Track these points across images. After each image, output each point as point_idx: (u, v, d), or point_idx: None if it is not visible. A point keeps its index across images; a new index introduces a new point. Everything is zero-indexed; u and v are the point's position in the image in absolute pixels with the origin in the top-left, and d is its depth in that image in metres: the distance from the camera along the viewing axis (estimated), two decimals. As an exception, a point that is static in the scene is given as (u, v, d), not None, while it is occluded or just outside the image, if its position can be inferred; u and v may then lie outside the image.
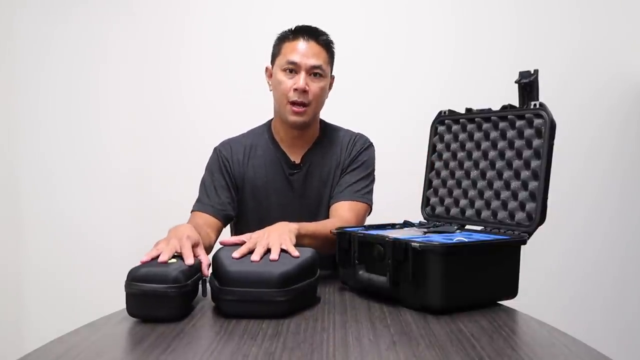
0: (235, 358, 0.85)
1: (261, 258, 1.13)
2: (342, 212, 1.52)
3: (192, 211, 1.57)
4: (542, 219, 1.18)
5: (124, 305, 1.04)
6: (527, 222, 1.21)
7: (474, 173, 1.36)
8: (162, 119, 2.45)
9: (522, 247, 1.19)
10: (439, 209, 1.44)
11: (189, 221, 1.51)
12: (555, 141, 1.19)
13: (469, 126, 1.37)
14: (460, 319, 1.05)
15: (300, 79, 1.49)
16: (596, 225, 2.47)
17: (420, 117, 1.64)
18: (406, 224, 1.43)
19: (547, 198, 1.18)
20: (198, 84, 2.45)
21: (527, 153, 1.23)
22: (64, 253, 2.46)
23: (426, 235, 1.27)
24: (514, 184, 1.25)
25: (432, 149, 1.47)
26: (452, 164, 1.42)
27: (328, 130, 1.66)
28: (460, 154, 1.39)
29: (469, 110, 1.39)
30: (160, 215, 2.37)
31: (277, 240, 1.19)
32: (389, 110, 2.42)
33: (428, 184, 1.47)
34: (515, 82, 1.26)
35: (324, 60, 1.54)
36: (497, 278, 1.17)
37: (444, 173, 1.44)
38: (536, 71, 1.23)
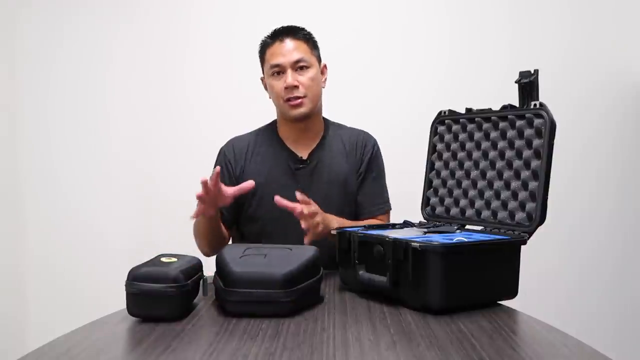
0: (235, 358, 0.85)
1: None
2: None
3: None
4: (542, 219, 1.18)
5: (125, 305, 1.05)
6: (527, 222, 1.21)
7: (474, 173, 1.36)
8: (168, 119, 2.46)
9: (522, 247, 1.19)
10: (439, 209, 1.44)
11: (195, 222, 1.59)
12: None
13: (469, 126, 1.37)
14: (460, 319, 1.05)
15: (288, 77, 1.54)
16: (596, 225, 2.47)
17: (420, 117, 1.64)
18: (406, 224, 1.43)
19: (547, 198, 1.18)
20: (204, 84, 2.45)
21: (527, 153, 1.23)
22: (66, 252, 2.46)
23: (426, 235, 1.27)
24: (514, 184, 1.25)
25: (432, 149, 1.47)
26: (452, 164, 1.42)
27: (332, 128, 1.68)
28: (461, 154, 1.39)
29: (469, 110, 1.39)
30: (164, 216, 2.40)
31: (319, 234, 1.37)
32: (389, 110, 2.42)
33: (428, 184, 1.47)
34: (515, 82, 1.25)
35: (305, 52, 1.58)
36: (497, 278, 1.17)
37: (444, 173, 1.44)
38: (536, 71, 1.23)
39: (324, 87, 1.64)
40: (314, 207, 1.39)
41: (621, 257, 2.48)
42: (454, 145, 1.41)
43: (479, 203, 1.34)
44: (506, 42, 2.42)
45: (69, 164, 2.47)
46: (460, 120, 1.40)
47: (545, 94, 1.24)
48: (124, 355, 0.90)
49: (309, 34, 1.62)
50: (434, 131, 1.47)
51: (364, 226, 1.38)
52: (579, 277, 2.46)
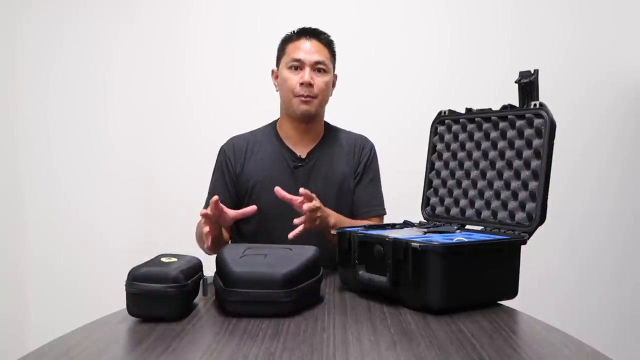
0: (235, 358, 0.85)
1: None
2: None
3: None
4: (542, 219, 1.18)
5: (125, 305, 1.05)
6: (527, 222, 1.21)
7: (474, 173, 1.36)
8: (168, 118, 2.46)
9: (522, 247, 1.19)
10: (439, 209, 1.44)
11: (198, 223, 1.62)
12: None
13: (469, 126, 1.37)
14: (460, 319, 1.05)
15: (306, 74, 1.56)
16: (596, 225, 2.47)
17: (420, 117, 1.64)
18: (406, 224, 1.43)
19: (547, 198, 1.18)
20: (204, 84, 2.45)
21: (527, 153, 1.23)
22: (66, 252, 2.46)
23: (426, 235, 1.27)
24: (514, 184, 1.25)
25: (432, 149, 1.47)
26: (452, 164, 1.42)
27: (332, 131, 1.71)
28: (461, 154, 1.39)
29: (469, 110, 1.39)
30: (164, 216, 2.40)
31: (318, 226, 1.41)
32: (389, 110, 2.42)
33: (428, 184, 1.47)
34: (515, 82, 1.25)
35: (326, 57, 1.61)
36: (497, 278, 1.17)
37: (444, 173, 1.44)
38: (536, 71, 1.23)
39: (331, 96, 1.66)
40: (316, 202, 1.41)
41: (621, 257, 2.48)
42: (454, 145, 1.41)
43: (479, 203, 1.34)
44: (506, 42, 2.42)
45: (69, 164, 2.47)
46: (460, 120, 1.40)
47: (545, 94, 1.24)
48: (124, 355, 0.90)
49: (332, 42, 1.65)
50: (434, 131, 1.47)
51: (364, 226, 1.38)
52: (579, 277, 2.46)
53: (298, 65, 1.58)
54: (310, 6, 2.42)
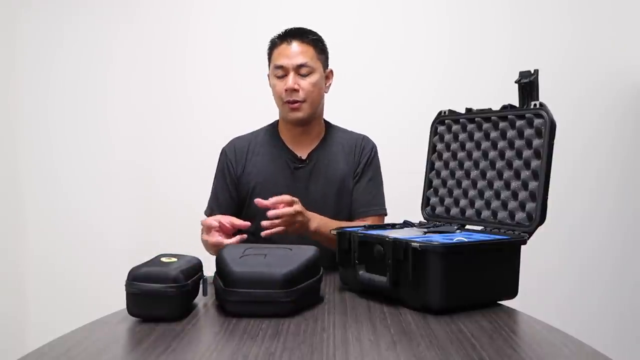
0: (235, 358, 0.85)
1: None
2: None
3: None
4: (542, 219, 1.18)
5: (125, 305, 1.05)
6: (527, 222, 1.20)
7: (474, 173, 1.36)
8: (168, 119, 2.46)
9: (522, 247, 1.19)
10: (439, 209, 1.44)
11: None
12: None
13: (469, 126, 1.37)
14: (460, 319, 1.05)
15: (289, 79, 1.55)
16: (596, 225, 2.47)
17: (420, 117, 1.64)
18: (406, 224, 1.43)
19: (547, 198, 1.18)
20: (204, 84, 2.45)
21: (527, 153, 1.23)
22: (66, 252, 2.46)
23: (426, 235, 1.27)
24: (514, 184, 1.25)
25: (432, 149, 1.47)
26: (452, 164, 1.42)
27: (333, 131, 1.70)
28: (460, 154, 1.39)
29: (469, 110, 1.39)
30: (164, 216, 2.40)
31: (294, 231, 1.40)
32: (389, 110, 2.42)
33: (428, 184, 1.47)
34: (515, 82, 1.25)
35: (310, 57, 1.58)
36: (497, 278, 1.17)
37: (444, 173, 1.44)
38: (536, 71, 1.23)
39: (326, 92, 1.65)
40: (297, 207, 1.41)
41: (621, 257, 2.48)
42: (454, 145, 1.41)
43: (479, 203, 1.34)
44: (506, 42, 2.42)
45: (69, 164, 2.47)
46: (460, 120, 1.40)
47: (545, 94, 1.24)
48: (124, 355, 0.90)
49: (318, 39, 1.63)
50: (434, 131, 1.47)
51: (364, 226, 1.38)
52: (579, 277, 2.46)
53: (282, 72, 1.57)
54: (310, 6, 2.42)
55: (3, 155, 2.40)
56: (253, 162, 1.63)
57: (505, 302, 1.18)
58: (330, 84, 1.66)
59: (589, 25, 2.44)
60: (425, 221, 1.46)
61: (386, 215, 1.67)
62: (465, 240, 1.17)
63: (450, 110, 1.44)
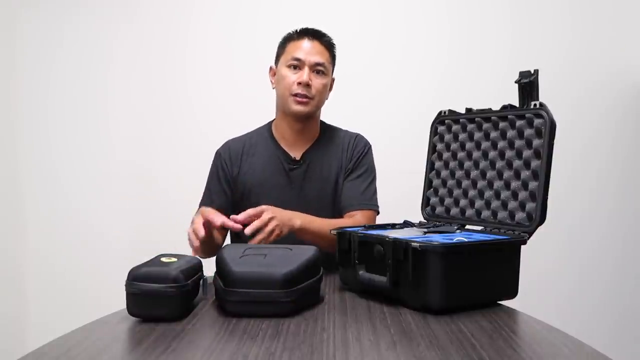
0: (235, 358, 0.85)
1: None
2: (357, 220, 1.57)
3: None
4: (542, 219, 1.18)
5: (125, 305, 1.05)
6: (527, 222, 1.20)
7: (474, 173, 1.36)
8: (168, 118, 2.46)
9: (522, 247, 1.19)
10: (439, 209, 1.44)
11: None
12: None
13: (469, 126, 1.37)
14: (460, 319, 1.05)
15: (305, 74, 1.55)
16: (596, 225, 2.47)
17: (420, 117, 1.64)
18: (406, 224, 1.43)
19: (547, 198, 1.18)
20: (204, 84, 2.45)
21: (527, 153, 1.23)
22: (66, 252, 2.46)
23: (426, 235, 1.27)
24: (514, 184, 1.25)
25: (432, 149, 1.47)
26: (452, 164, 1.42)
27: (327, 130, 1.70)
28: (460, 154, 1.39)
29: (469, 110, 1.39)
30: (164, 216, 2.40)
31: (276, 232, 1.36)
32: (389, 110, 2.42)
33: (428, 184, 1.47)
34: (515, 82, 1.25)
35: (327, 59, 1.60)
36: (497, 278, 1.17)
37: (444, 173, 1.44)
38: (536, 71, 1.23)
39: (327, 99, 1.65)
40: (266, 215, 1.36)
41: (621, 257, 2.48)
42: (454, 145, 1.41)
43: (479, 203, 1.34)
44: (506, 42, 2.42)
45: (69, 163, 2.47)
46: (460, 120, 1.40)
47: (545, 94, 1.24)
48: (124, 355, 0.90)
49: (334, 45, 1.64)
50: (434, 131, 1.47)
51: (364, 226, 1.38)
52: (579, 277, 2.46)
53: (297, 65, 1.57)
54: (310, 6, 2.42)
55: (3, 155, 2.40)
56: (248, 163, 1.63)
57: (505, 302, 1.18)
58: (330, 92, 1.66)
59: (589, 25, 2.44)
60: (425, 221, 1.46)
61: (378, 213, 1.64)
62: (465, 240, 1.17)
63: (450, 110, 1.44)
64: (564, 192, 2.18)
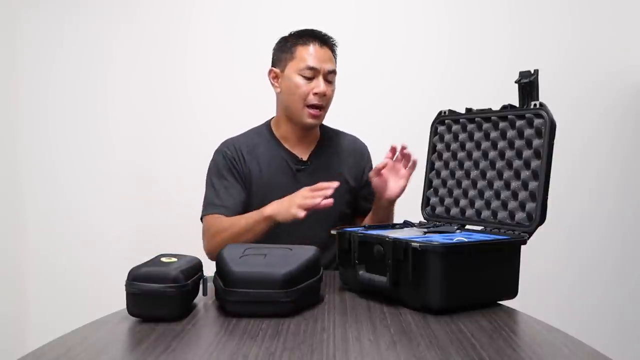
0: (235, 358, 0.85)
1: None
2: None
3: (203, 216, 1.57)
4: (542, 219, 1.18)
5: (125, 305, 1.05)
6: (527, 222, 1.20)
7: (474, 173, 1.36)
8: (168, 118, 2.46)
9: (522, 247, 1.19)
10: (439, 209, 1.44)
11: (204, 228, 1.55)
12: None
13: (469, 126, 1.37)
14: (460, 319, 1.05)
15: (321, 84, 1.53)
16: (596, 225, 2.47)
17: (420, 117, 1.64)
18: (406, 224, 1.43)
19: (547, 198, 1.18)
20: (204, 84, 2.45)
21: (527, 153, 1.23)
22: (66, 252, 2.46)
23: (426, 235, 1.27)
24: (514, 184, 1.25)
25: (432, 149, 1.47)
26: (452, 164, 1.42)
27: (327, 132, 1.70)
28: (460, 154, 1.39)
29: (469, 110, 1.39)
30: (164, 216, 2.40)
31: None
32: (389, 110, 2.42)
33: (428, 184, 1.47)
34: (515, 82, 1.25)
35: (335, 65, 1.60)
36: (497, 278, 1.17)
37: (444, 173, 1.44)
38: (536, 71, 1.23)
39: None
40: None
41: (621, 257, 2.48)
42: (454, 145, 1.41)
43: (479, 203, 1.34)
44: (506, 42, 2.42)
45: (69, 163, 2.47)
46: (460, 120, 1.40)
47: (545, 94, 1.24)
48: (124, 355, 0.90)
49: (337, 46, 1.62)
50: (434, 131, 1.47)
51: (364, 226, 1.38)
52: (579, 277, 2.46)
53: (312, 75, 1.53)
54: (310, 6, 2.42)
55: (3, 155, 2.40)
56: (253, 164, 1.60)
57: (505, 302, 1.18)
58: None
59: (589, 25, 2.44)
60: (425, 221, 1.46)
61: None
62: (465, 240, 1.17)
63: (450, 110, 1.44)
64: (563, 192, 2.18)
